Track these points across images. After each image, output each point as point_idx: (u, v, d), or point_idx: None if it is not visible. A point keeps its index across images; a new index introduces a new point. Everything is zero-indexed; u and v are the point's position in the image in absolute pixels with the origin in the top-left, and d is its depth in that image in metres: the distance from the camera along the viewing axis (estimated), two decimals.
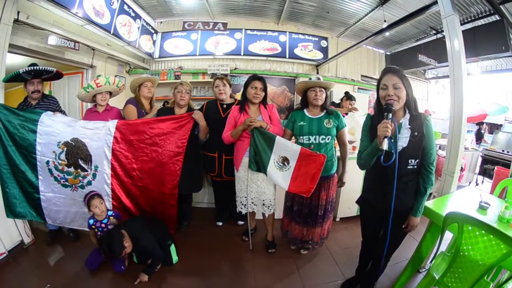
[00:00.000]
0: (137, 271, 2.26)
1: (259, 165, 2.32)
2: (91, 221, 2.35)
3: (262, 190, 2.43)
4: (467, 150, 4.94)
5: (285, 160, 2.22)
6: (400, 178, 1.61)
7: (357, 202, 2.00)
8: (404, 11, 4.38)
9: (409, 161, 1.62)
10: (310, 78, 2.27)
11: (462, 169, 4.38)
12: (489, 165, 5.26)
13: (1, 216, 2.40)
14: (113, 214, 2.43)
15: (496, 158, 5.24)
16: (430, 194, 2.30)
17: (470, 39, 4.58)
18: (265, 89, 2.44)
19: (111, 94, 2.80)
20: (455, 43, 2.29)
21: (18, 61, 3.42)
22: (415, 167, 1.63)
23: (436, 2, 2.56)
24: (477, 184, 5.32)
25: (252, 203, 2.48)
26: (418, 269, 2.20)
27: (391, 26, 4.11)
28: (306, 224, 2.41)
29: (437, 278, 1.66)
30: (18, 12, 2.67)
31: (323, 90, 2.27)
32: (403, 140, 1.60)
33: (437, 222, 1.86)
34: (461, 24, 4.66)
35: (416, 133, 1.59)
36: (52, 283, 2.14)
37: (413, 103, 1.62)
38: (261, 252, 2.60)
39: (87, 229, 2.42)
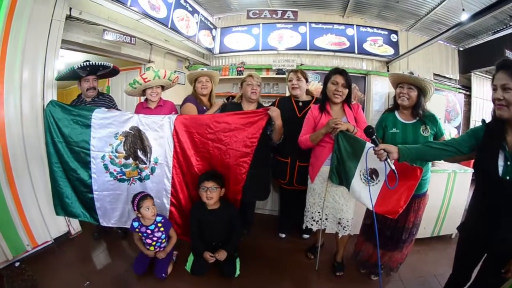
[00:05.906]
0: (178, 281, 2.17)
1: (341, 176, 1.97)
2: (136, 224, 2.16)
3: (340, 207, 2.07)
4: None
5: (373, 173, 1.82)
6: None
7: (457, 228, 1.65)
8: None
9: None
10: (412, 73, 1.89)
11: None
12: None
13: (49, 205, 2.39)
14: (162, 220, 2.19)
15: None
16: None
17: None
18: (348, 86, 2.06)
19: (163, 87, 2.61)
20: None
21: (79, 59, 3.52)
22: None
23: None
24: None
25: (326, 219, 2.14)
26: None
27: (475, 16, 3.39)
28: (385, 247, 2.05)
29: None
30: (70, 9, 2.69)
31: (413, 88, 1.87)
32: None
33: None
34: None
35: None
36: (92, 281, 2.10)
37: None
38: (327, 274, 2.31)
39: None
